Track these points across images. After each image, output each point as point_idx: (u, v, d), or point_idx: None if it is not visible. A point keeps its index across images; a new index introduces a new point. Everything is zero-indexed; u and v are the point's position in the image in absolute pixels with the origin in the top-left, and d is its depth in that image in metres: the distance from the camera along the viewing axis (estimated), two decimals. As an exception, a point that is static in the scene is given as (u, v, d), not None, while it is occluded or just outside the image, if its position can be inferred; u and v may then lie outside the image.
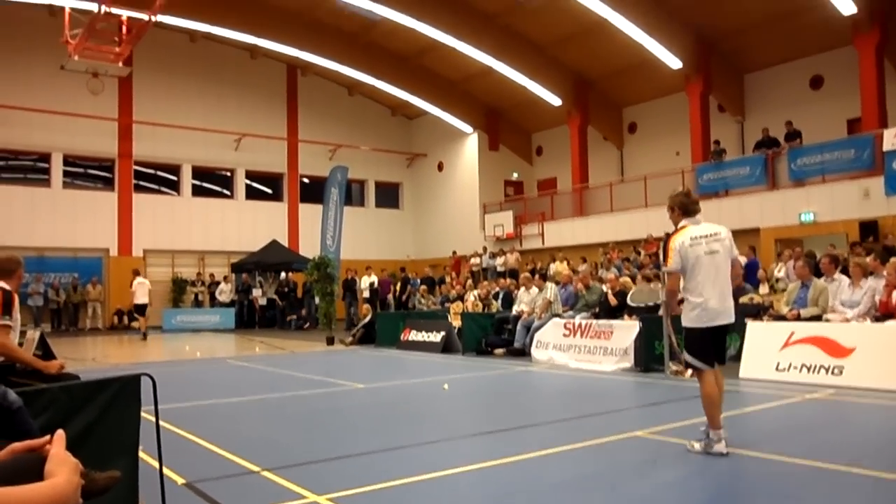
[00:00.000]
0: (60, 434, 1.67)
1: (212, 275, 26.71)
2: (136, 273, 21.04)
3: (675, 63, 21.55)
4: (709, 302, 5.27)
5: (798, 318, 9.54)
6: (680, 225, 5.50)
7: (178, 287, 26.00)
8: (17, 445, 1.72)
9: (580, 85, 25.69)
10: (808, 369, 8.67)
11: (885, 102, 18.34)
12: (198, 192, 27.90)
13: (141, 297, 19.73)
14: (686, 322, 5.39)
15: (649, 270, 13.98)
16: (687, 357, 5.47)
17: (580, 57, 24.55)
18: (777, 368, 8.99)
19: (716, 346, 5.42)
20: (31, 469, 1.56)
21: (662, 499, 4.40)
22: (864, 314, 9.12)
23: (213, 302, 25.87)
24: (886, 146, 16.68)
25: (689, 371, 9.50)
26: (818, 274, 10.61)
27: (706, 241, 5.36)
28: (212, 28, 24.76)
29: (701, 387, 5.42)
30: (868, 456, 5.26)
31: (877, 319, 8.93)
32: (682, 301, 5.47)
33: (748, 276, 13.51)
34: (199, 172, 27.88)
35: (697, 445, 5.32)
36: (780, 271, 14.44)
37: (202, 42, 27.10)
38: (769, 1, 19.31)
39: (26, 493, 1.43)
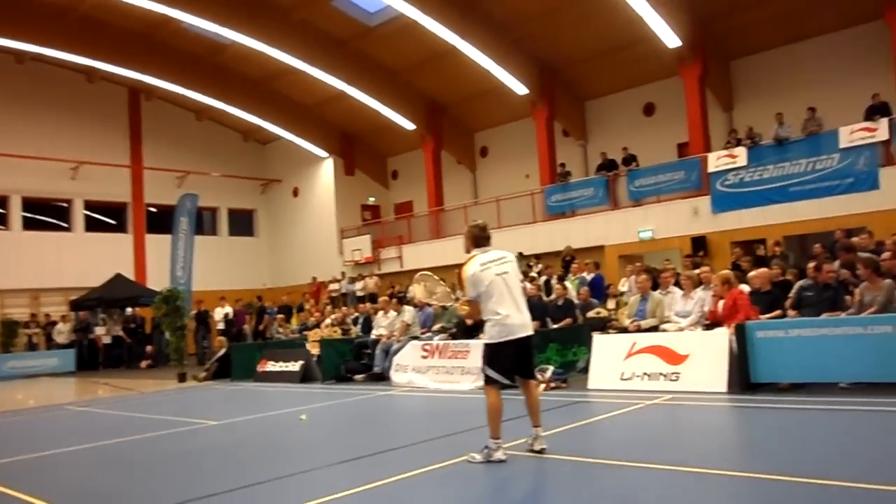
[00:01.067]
0: None
1: (47, 315, 24.69)
2: None
3: (521, 89, 22.52)
4: (507, 318, 5.67)
5: (639, 329, 10.18)
6: (470, 255, 5.93)
7: (9, 330, 23.77)
8: None
9: (433, 110, 26.25)
10: (649, 377, 9.25)
11: (708, 128, 20.06)
12: (30, 225, 25.82)
13: None
14: (487, 338, 5.79)
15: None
16: (486, 370, 5.76)
17: (432, 83, 25.12)
18: (622, 378, 9.52)
19: (520, 360, 5.81)
20: None
21: (516, 513, 4.52)
22: (695, 323, 9.87)
23: (50, 344, 23.91)
24: (711, 168, 18.25)
25: (543, 385, 9.91)
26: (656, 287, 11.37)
27: (495, 265, 5.81)
28: (41, 49, 23.15)
29: (488, 398, 5.76)
30: (698, 455, 5.68)
31: (706, 327, 9.69)
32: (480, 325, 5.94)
33: (594, 291, 14.23)
34: (30, 204, 25.84)
35: (478, 456, 5.66)
36: (623, 285, 15.32)
37: (31, 63, 25.26)
38: (604, 34, 20.66)
39: None
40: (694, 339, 9.31)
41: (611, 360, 9.80)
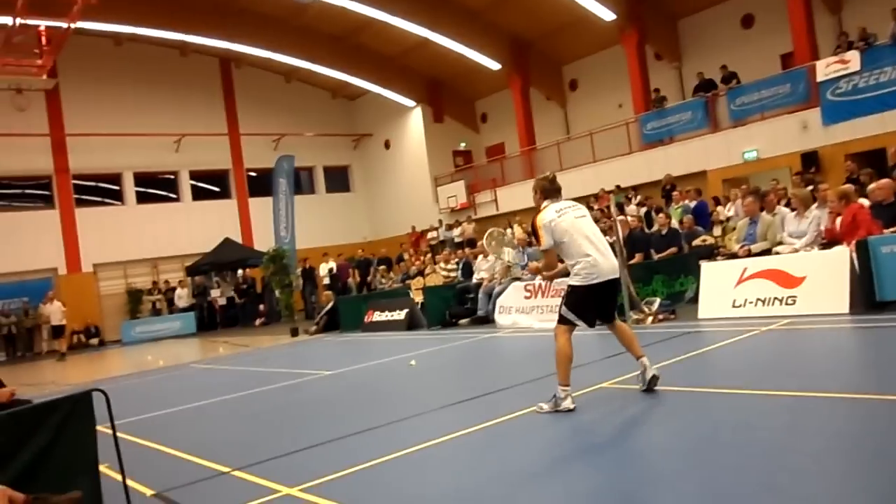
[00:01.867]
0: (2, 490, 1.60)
1: (167, 281, 26.22)
2: (50, 299, 21.75)
3: (608, 15, 21.61)
4: (595, 260, 5.40)
5: (749, 253, 9.73)
6: (542, 206, 5.67)
7: (134, 298, 25.48)
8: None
9: (518, 47, 25.63)
10: (763, 302, 8.86)
11: (815, 34, 18.65)
12: (143, 198, 27.25)
13: (56, 320, 20.83)
14: (572, 281, 5.49)
15: (602, 224, 14.09)
16: (563, 310, 5.52)
17: (515, 19, 24.45)
18: (734, 305, 9.17)
19: (604, 304, 5.59)
20: None
21: (631, 445, 4.47)
22: (811, 243, 9.33)
23: (172, 308, 25.43)
24: (820, 77, 16.99)
25: (650, 318, 9.69)
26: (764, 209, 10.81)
27: (571, 210, 5.60)
28: (136, 29, 24.05)
29: (558, 341, 5.50)
30: (823, 379, 5.41)
31: (823, 247, 9.15)
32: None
33: (698, 218, 13.72)
34: (141, 179, 27.22)
35: (546, 406, 5.40)
36: (729, 210, 14.69)
37: (128, 45, 26.29)
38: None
39: None
40: (810, 260, 8.81)
41: (721, 287, 9.44)
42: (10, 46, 17.85)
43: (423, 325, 14.05)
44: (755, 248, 9.79)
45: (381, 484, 4.30)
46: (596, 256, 5.41)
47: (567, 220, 5.49)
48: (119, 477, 4.06)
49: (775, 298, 8.78)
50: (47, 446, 3.85)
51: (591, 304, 5.50)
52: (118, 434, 4.03)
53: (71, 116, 25.09)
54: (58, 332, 21.10)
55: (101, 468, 4.06)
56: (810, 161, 16.97)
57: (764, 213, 10.33)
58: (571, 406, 5.33)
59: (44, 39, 18.37)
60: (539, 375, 7.01)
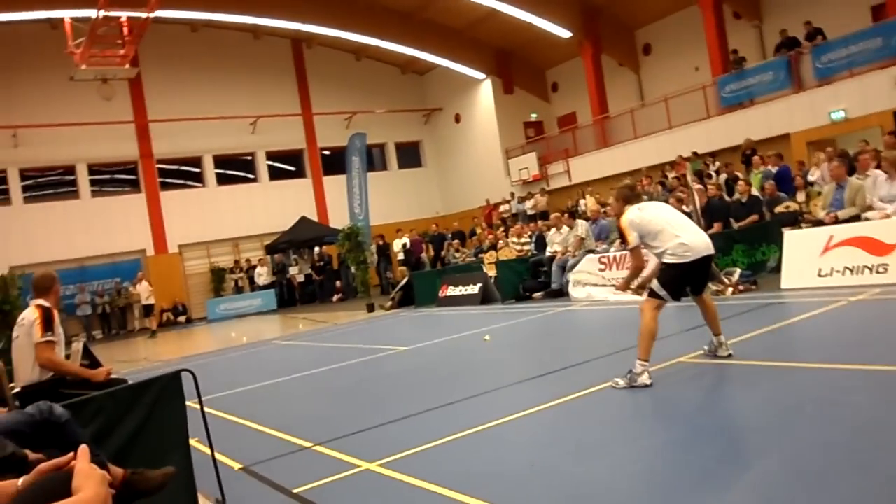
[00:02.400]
0: (84, 448, 1.70)
1: (248, 260, 27.07)
2: (139, 279, 22.98)
3: (682, -25, 20.82)
4: (684, 239, 5.49)
5: (836, 220, 9.31)
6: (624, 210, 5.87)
7: (217, 276, 26.44)
8: (43, 466, 1.76)
9: (588, 12, 25.01)
10: (852, 271, 8.48)
11: (909, -18, 17.50)
12: (222, 180, 28.10)
13: (145, 299, 22.03)
14: (667, 260, 5.53)
15: (680, 192, 13.74)
16: (655, 286, 5.56)
17: (584, -16, 23.86)
18: (819, 275, 8.81)
19: (698, 279, 5.73)
20: (59, 487, 1.59)
21: (710, 421, 4.39)
22: (904, 207, 8.84)
23: (253, 286, 26.26)
24: (914, 28, 15.97)
25: (731, 289, 9.43)
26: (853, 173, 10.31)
27: (653, 206, 6.00)
28: (210, 15, 24.66)
29: (644, 316, 5.49)
30: (918, 352, 5.15)
31: (918, 211, 8.67)
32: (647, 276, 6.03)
33: (781, 184, 13.18)
34: (220, 161, 28.05)
35: (622, 381, 5.38)
36: (814, 175, 14.05)
37: (204, 31, 26.98)
38: None
39: None
40: (903, 226, 8.37)
41: (806, 256, 9.07)
42: (94, 38, 18.55)
43: (497, 300, 14.07)
44: (842, 214, 9.35)
45: (458, 460, 4.37)
46: (685, 237, 5.51)
47: (650, 212, 5.70)
48: (208, 451, 4.25)
49: (865, 267, 8.38)
50: (142, 424, 4.06)
51: (685, 281, 5.62)
52: (206, 410, 4.22)
53: (153, 103, 26.02)
54: (147, 310, 22.23)
55: (192, 443, 4.26)
56: (904, 119, 16.01)
57: (853, 178, 9.84)
58: (648, 381, 5.29)
59: (125, 30, 18.99)
60: (614, 350, 6.94)
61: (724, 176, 16.08)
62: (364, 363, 9.19)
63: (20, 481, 1.77)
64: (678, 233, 5.54)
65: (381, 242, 23.04)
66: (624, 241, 5.93)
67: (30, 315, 5.46)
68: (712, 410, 4.74)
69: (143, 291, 22.24)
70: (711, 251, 5.65)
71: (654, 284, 5.57)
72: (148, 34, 20.48)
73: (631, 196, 5.96)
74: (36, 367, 5.41)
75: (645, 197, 5.99)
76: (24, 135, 23.62)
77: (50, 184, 25.56)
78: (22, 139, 23.67)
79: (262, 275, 26.00)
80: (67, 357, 5.80)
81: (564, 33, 24.97)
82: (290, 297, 25.66)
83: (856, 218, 9.17)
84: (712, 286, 9.58)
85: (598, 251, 12.60)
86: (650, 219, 5.63)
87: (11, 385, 5.62)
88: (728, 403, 4.91)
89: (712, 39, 21.49)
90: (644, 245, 5.69)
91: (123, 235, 25.16)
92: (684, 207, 11.63)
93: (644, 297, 5.67)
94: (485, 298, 14.27)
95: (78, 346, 6.19)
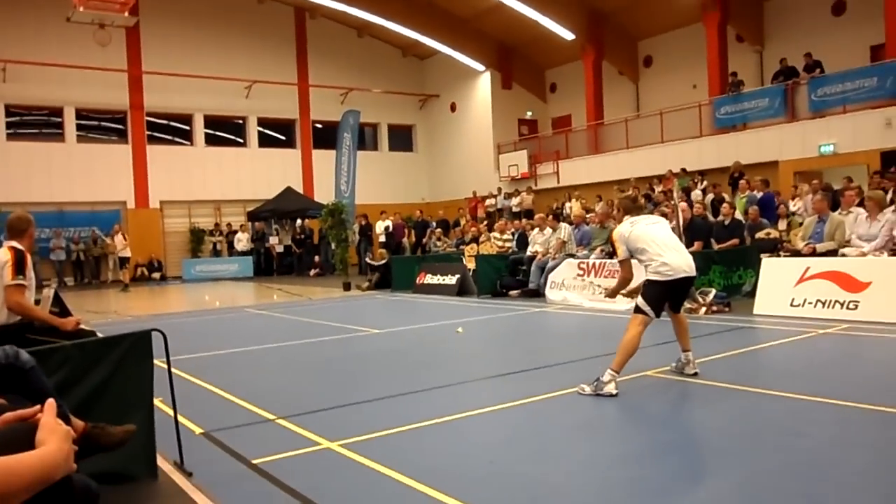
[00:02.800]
0: (51, 403, 1.70)
1: (229, 224, 26.88)
2: (117, 231, 22.87)
3: (691, -8, 20.90)
4: (672, 260, 5.65)
5: (814, 252, 9.45)
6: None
7: (196, 237, 26.25)
8: (8, 416, 1.76)
9: (594, 18, 25.05)
10: (823, 304, 8.63)
11: (911, 27, 17.71)
12: (211, 141, 27.84)
13: (122, 252, 22.05)
14: (651, 276, 5.71)
15: (665, 207, 13.85)
16: (640, 301, 5.72)
17: (593, -11, 23.87)
18: (792, 304, 8.95)
19: (675, 297, 5.90)
20: (23, 438, 1.59)
21: (670, 437, 4.45)
22: (881, 248, 9.00)
23: (231, 251, 26.10)
24: (911, 72, 16.19)
25: (704, 309, 9.55)
26: (837, 207, 10.46)
27: (644, 221, 5.95)
28: (217, -27, 24.33)
29: (629, 331, 5.61)
30: (879, 391, 5.26)
31: (893, 253, 8.82)
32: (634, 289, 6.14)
33: (764, 210, 13.33)
34: (211, 121, 27.77)
35: (588, 388, 5.48)
36: (797, 205, 14.24)
37: (209, -12, 26.65)
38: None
39: (15, 462, 1.46)
40: (878, 266, 8.52)
41: (780, 284, 9.21)
42: (95, -19, 18.28)
43: (474, 293, 14.12)
44: (821, 247, 9.50)
45: (419, 449, 4.40)
46: (668, 257, 5.67)
47: (639, 229, 5.82)
48: (171, 412, 4.25)
49: (837, 301, 8.54)
50: (107, 378, 4.04)
51: (666, 298, 5.77)
52: (172, 371, 4.21)
53: (148, 55, 25.67)
54: (122, 263, 22.10)
55: (155, 402, 4.24)
56: (891, 160, 16.26)
57: (834, 213, 9.99)
58: (614, 391, 5.39)
59: (128, -24, 18.72)
60: (585, 356, 7.02)
61: (710, 196, 16.22)
62: (335, 341, 9.19)
63: (-18, 429, 1.76)
64: (661, 252, 5.69)
65: (363, 222, 22.99)
66: (615, 251, 6.05)
67: (2, 256, 5.38)
68: (674, 427, 4.81)
69: (119, 243, 22.13)
70: (693, 272, 5.80)
71: (640, 300, 5.72)
72: (151, -16, 20.20)
73: (632, 208, 6.08)
74: (3, 309, 5.33)
75: (646, 210, 6.02)
76: (13, 70, 23.21)
77: (35, 123, 25.19)
78: (11, 74, 23.26)
79: (242, 241, 25.85)
80: (37, 302, 5.74)
81: (568, 35, 24.98)
82: (267, 267, 25.54)
83: (833, 252, 9.33)
84: (687, 303, 9.70)
85: (579, 256, 12.68)
86: (638, 235, 5.77)
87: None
88: (690, 421, 4.99)
89: (713, 59, 21.65)
90: (635, 258, 5.88)
91: (105, 185, 24.88)
92: (670, 222, 11.73)
93: (637, 301, 5.82)
94: (461, 290, 14.32)
95: (49, 292, 6.12)
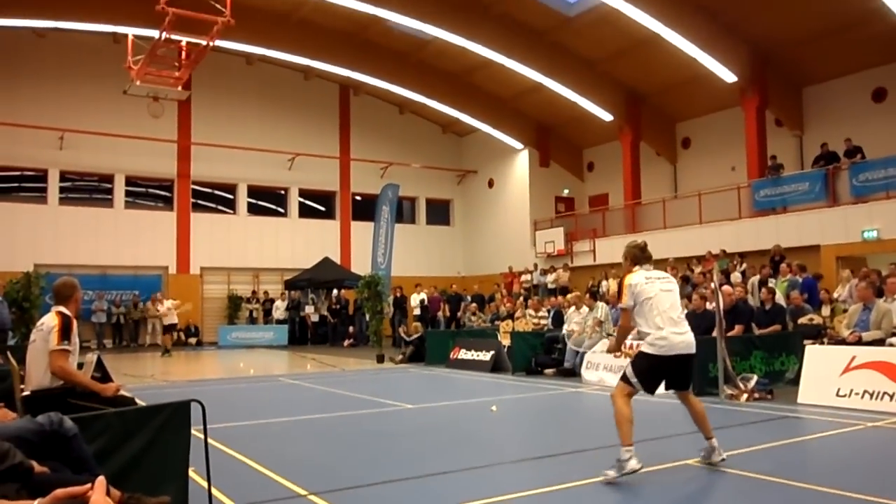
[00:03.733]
0: (101, 481, 1.73)
1: (266, 292, 27.19)
2: (163, 297, 22.54)
3: (729, 77, 21.17)
4: (671, 334, 5.50)
5: (859, 341, 9.21)
6: (633, 270, 5.85)
7: (234, 304, 26.56)
8: (59, 492, 1.79)
9: (632, 100, 25.46)
10: (871, 396, 8.35)
11: (953, 114, 17.67)
12: (253, 210, 28.50)
13: (170, 319, 21.07)
14: (644, 348, 5.59)
15: (704, 289, 13.68)
16: (628, 371, 5.60)
17: (632, 72, 24.33)
18: (838, 394, 8.67)
19: (678, 375, 5.68)
20: None
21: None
22: (930, 338, 8.74)
23: (268, 319, 26.31)
24: (955, 160, 16.04)
25: (745, 396, 9.30)
26: (881, 295, 10.24)
27: (660, 281, 5.74)
28: (267, 51, 25.40)
29: (616, 401, 5.54)
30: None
31: (944, 344, 8.56)
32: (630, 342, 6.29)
33: (806, 295, 13.10)
34: (254, 191, 28.49)
35: (612, 472, 5.28)
36: (840, 291, 13.96)
37: (258, 64, 27.78)
38: (829, 12, 18.83)
39: None
40: (928, 357, 8.25)
41: (825, 373, 8.95)
42: (153, 58, 19.12)
43: (508, 370, 13.96)
44: (867, 336, 9.26)
45: (453, 533, 4.29)
46: (669, 331, 5.50)
47: (653, 288, 5.63)
48: (204, 483, 4.23)
49: (885, 393, 8.25)
50: (146, 447, 4.07)
51: (659, 375, 5.59)
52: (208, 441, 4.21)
53: (198, 126, 26.65)
54: (168, 328, 21.35)
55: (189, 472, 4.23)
56: (937, 248, 15.96)
57: (880, 301, 9.77)
58: (637, 466, 5.25)
59: (184, 54, 19.58)
60: (611, 443, 6.84)
61: (756, 277, 15.97)
62: (368, 415, 9.12)
63: (36, 503, 1.79)
64: (661, 324, 5.52)
65: (398, 294, 23.08)
66: (619, 296, 5.89)
67: (49, 321, 5.52)
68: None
69: (167, 309, 21.19)
70: (691, 350, 5.62)
71: (628, 369, 5.59)
72: (204, 60, 21.11)
73: (641, 257, 5.89)
74: (48, 373, 5.44)
75: (658, 272, 5.94)
76: (69, 138, 24.23)
77: (87, 189, 26.08)
78: (67, 142, 24.28)
79: (280, 309, 26.06)
80: (80, 366, 5.85)
81: (606, 116, 25.36)
82: (301, 335, 25.65)
83: (880, 342, 9.08)
84: (727, 389, 9.47)
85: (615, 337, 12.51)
86: (649, 296, 5.59)
87: (22, 388, 5.66)
88: (733, 515, 4.81)
89: (752, 143, 21.72)
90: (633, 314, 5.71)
91: (149, 250, 25.49)
92: (708, 305, 11.58)
93: (626, 369, 5.66)
94: (496, 367, 14.17)
95: (92, 357, 6.25)
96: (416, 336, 17.72)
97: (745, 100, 21.80)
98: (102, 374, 6.31)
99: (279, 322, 25.75)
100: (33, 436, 3.42)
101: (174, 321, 21.23)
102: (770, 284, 13.94)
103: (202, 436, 4.17)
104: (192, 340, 25.12)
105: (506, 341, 14.98)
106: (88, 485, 1.73)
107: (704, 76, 21.61)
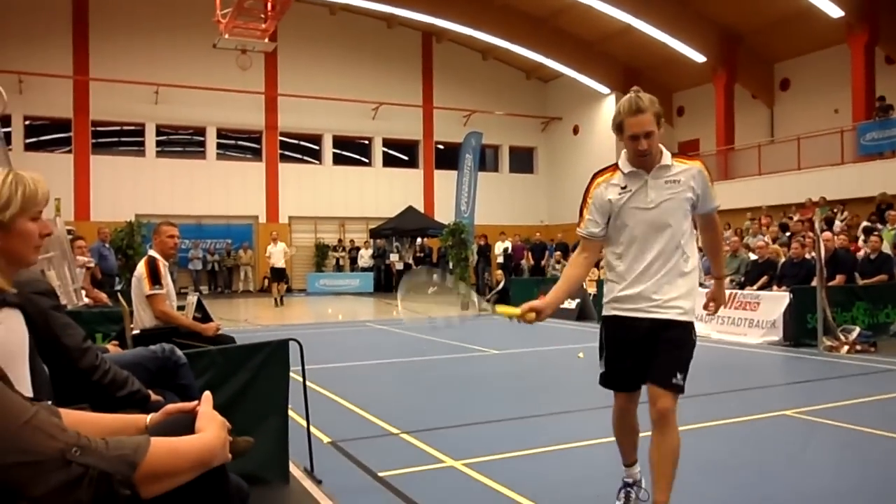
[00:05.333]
0: (208, 395, 1.81)
1: (352, 240, 27.74)
2: (274, 240, 20.44)
3: (836, 11, 19.76)
4: (628, 278, 3.37)
5: (976, 292, 8.63)
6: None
7: (321, 252, 27.23)
8: (170, 407, 1.88)
9: (727, 40, 24.18)
10: None
11: None
12: (338, 160, 28.90)
13: (277, 262, 19.55)
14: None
15: (804, 237, 13.08)
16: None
17: (727, 9, 23.05)
18: (949, 347, 8.20)
19: (637, 354, 3.37)
20: (184, 426, 1.69)
21: (813, 485, 4.16)
22: None
23: (354, 266, 26.89)
24: None
25: (846, 348, 8.91)
26: None
27: (651, 187, 3.39)
28: (350, 0, 25.38)
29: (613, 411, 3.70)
30: None
31: None
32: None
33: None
34: (339, 141, 28.85)
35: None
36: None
37: (341, 14, 27.82)
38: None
39: (178, 443, 1.55)
40: None
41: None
42: (240, 10, 19.44)
43: (594, 318, 13.83)
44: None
45: (541, 474, 4.32)
46: (626, 275, 3.35)
47: (625, 200, 3.39)
48: (301, 420, 4.38)
49: None
50: (247, 384, 4.23)
51: (619, 352, 3.44)
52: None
53: (284, 78, 27.06)
54: (278, 275, 19.91)
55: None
56: None
57: None
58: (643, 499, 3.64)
59: (269, 5, 19.80)
60: (714, 390, 6.71)
61: (865, 223, 15.17)
62: (455, 360, 9.25)
63: (148, 418, 1.88)
64: (622, 263, 3.39)
65: (483, 242, 23.09)
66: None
67: (139, 269, 5.75)
68: (815, 473, 4.48)
69: (277, 253, 19.62)
70: (661, 314, 3.27)
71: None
72: (289, 12, 21.29)
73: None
74: (149, 314, 5.73)
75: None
76: (164, 93, 25.06)
77: (181, 142, 27.03)
78: (162, 97, 25.12)
79: (364, 257, 26.57)
80: (182, 308, 6.13)
81: (699, 57, 24.24)
82: (387, 283, 26.11)
83: None
84: (826, 341, 9.09)
85: (706, 285, 12.16)
86: (619, 211, 3.40)
87: (131, 327, 5.99)
88: (834, 468, 4.64)
89: (858, 82, 20.34)
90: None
91: (240, 200, 26.32)
92: (807, 254, 11.07)
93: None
94: (581, 315, 14.08)
95: (192, 298, 6.51)
96: (500, 284, 17.74)
97: (853, 36, 20.34)
98: (203, 315, 6.60)
99: (364, 270, 26.27)
100: (149, 362, 3.62)
101: (282, 265, 19.82)
102: (875, 233, 13.19)
103: (298, 377, 4.30)
104: (283, 287, 25.94)
105: (591, 289, 14.82)
106: (196, 401, 1.81)
107: (807, 11, 20.24)
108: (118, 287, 13.53)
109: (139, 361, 3.47)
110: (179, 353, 3.74)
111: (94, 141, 25.07)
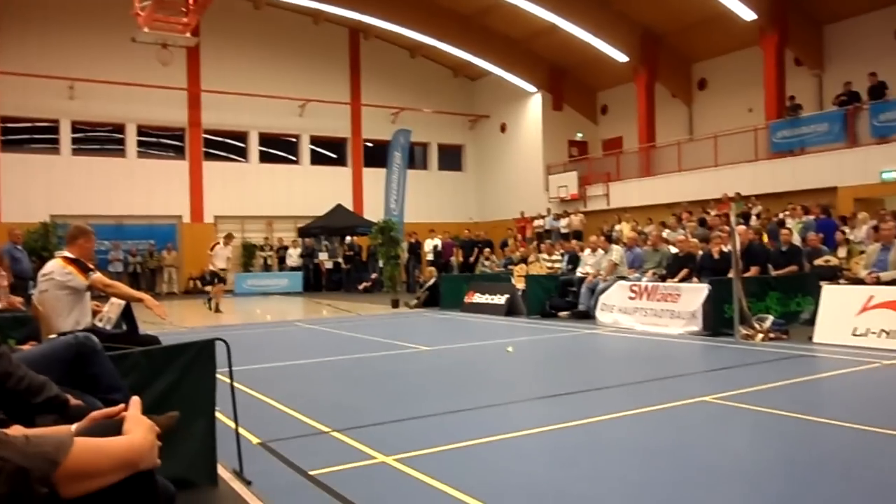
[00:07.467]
0: (136, 400, 1.78)
1: (280, 239, 27.32)
2: (228, 238, 19.01)
3: (748, 14, 20.64)
4: None
5: (878, 281, 9.18)
6: None
7: (248, 252, 26.72)
8: (95, 414, 1.84)
9: (648, 40, 24.92)
10: (888, 335, 8.36)
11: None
12: (265, 158, 28.40)
13: (221, 263, 17.92)
14: None
15: (720, 231, 13.61)
16: None
17: (648, 11, 23.76)
18: (854, 333, 8.70)
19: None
20: (111, 432, 1.66)
21: (728, 466, 4.36)
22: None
23: (282, 266, 26.50)
24: (978, 98, 15.70)
25: (760, 336, 9.33)
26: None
27: None
28: (274, -7, 25.00)
29: None
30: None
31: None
32: None
33: (824, 238, 13.03)
34: (265, 139, 28.35)
35: None
36: (859, 232, 13.86)
37: (266, 9, 27.35)
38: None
39: (105, 443, 1.53)
40: (946, 296, 8.23)
41: (842, 313, 8.96)
42: (160, 4, 18.87)
43: (523, 313, 14.06)
44: (885, 276, 9.22)
45: (474, 467, 4.39)
46: None
47: None
48: (229, 422, 4.32)
49: (902, 332, 8.26)
50: (172, 386, 4.14)
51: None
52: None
53: (207, 74, 26.40)
54: (217, 277, 17.99)
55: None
56: (957, 188, 15.76)
57: (899, 240, 9.69)
58: None
59: (191, -1, 19.30)
60: (638, 379, 6.92)
61: (779, 217, 15.90)
62: (385, 357, 9.25)
63: (73, 427, 1.84)
64: None
65: (413, 240, 23.12)
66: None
67: (58, 268, 5.42)
68: (730, 454, 4.70)
69: (220, 256, 17.94)
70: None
71: None
72: (212, 6, 20.79)
73: None
74: (70, 316, 5.45)
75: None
76: (80, 88, 24.09)
77: (98, 139, 26.02)
78: (77, 92, 24.14)
79: (293, 256, 26.21)
80: (97, 314, 5.99)
81: (621, 57, 24.89)
82: (316, 282, 25.85)
83: (898, 281, 9.04)
84: (742, 330, 9.50)
85: (630, 279, 12.54)
86: None
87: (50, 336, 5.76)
88: (748, 448, 4.88)
89: (770, 83, 21.30)
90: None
91: (162, 199, 25.56)
92: (724, 248, 11.53)
93: None
94: (510, 310, 14.26)
95: (119, 302, 6.36)
96: (430, 281, 17.81)
97: (765, 38, 21.29)
98: (131, 326, 6.46)
99: (293, 269, 25.93)
100: (63, 352, 3.50)
101: (224, 266, 18.10)
102: (785, 226, 13.86)
103: (226, 378, 4.24)
104: (208, 288, 25.32)
105: (520, 285, 15.06)
106: (122, 405, 1.78)
107: (723, 14, 21.08)
108: (32, 291, 12.98)
109: (53, 354, 3.36)
110: (95, 339, 3.64)
111: (3, 138, 23.90)
